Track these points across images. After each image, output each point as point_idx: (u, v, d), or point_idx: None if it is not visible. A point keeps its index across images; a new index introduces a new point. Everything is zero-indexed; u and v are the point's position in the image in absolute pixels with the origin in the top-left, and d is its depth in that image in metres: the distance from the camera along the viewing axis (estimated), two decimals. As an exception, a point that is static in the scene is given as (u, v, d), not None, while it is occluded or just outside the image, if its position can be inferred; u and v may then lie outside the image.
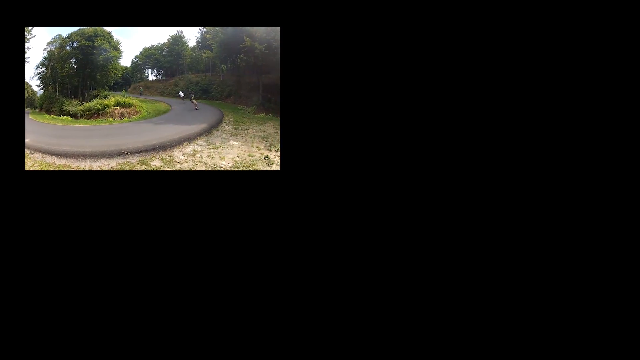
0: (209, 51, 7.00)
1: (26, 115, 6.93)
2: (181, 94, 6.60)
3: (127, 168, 3.68)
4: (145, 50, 7.89)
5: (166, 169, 3.71)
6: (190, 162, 3.88)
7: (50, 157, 4.03)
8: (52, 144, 4.32)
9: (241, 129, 5.20)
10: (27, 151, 4.26)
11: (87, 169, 3.68)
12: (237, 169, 3.71)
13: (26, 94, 7.96)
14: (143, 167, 3.72)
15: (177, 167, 3.75)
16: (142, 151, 4.03)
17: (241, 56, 6.11)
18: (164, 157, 3.98)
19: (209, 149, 4.31)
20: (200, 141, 4.56)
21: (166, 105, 6.51)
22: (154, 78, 8.10)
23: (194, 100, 6.55)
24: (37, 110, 7.35)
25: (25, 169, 3.88)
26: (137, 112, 5.89)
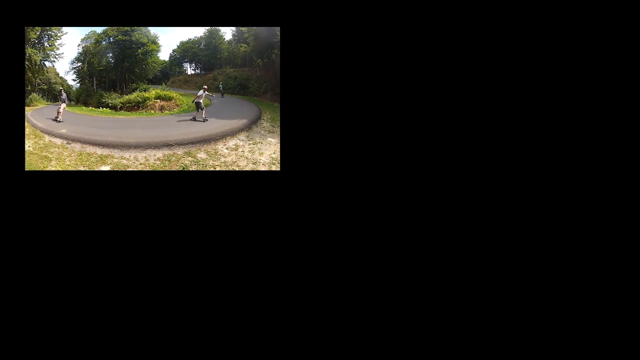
0: (245, 45, 6.97)
1: (62, 107, 7.13)
2: (220, 86, 6.29)
3: (173, 159, 3.64)
4: (182, 44, 7.91)
5: (211, 161, 3.65)
6: (234, 156, 3.82)
7: (91, 147, 4.01)
8: (92, 134, 4.30)
9: (277, 127, 5.21)
10: (64, 142, 4.31)
11: (132, 159, 3.64)
12: (273, 166, 3.67)
13: (61, 88, 8.18)
14: (189, 159, 3.67)
15: (222, 160, 3.70)
16: (188, 143, 4.00)
17: (275, 51, 6.05)
18: (209, 150, 3.92)
19: (249, 144, 4.28)
20: (242, 136, 4.55)
21: (206, 99, 6.51)
22: (192, 72, 8.13)
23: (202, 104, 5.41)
24: (72, 103, 7.56)
25: (62, 160, 3.86)
26: (177, 105, 5.90)
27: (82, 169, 3.50)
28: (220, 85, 6.80)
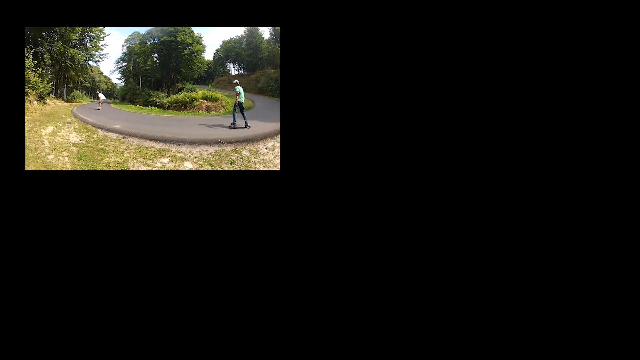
0: (284, 44, 7.28)
1: (108, 105, 7.71)
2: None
3: (222, 155, 4.09)
4: (225, 43, 8.24)
5: (253, 158, 4.06)
6: (270, 155, 4.24)
7: (148, 141, 4.48)
8: (148, 130, 4.81)
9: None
10: (119, 136, 4.78)
11: (187, 153, 4.09)
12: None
13: (105, 86, 8.81)
14: (235, 155, 4.10)
15: (261, 158, 4.11)
16: (235, 142, 4.45)
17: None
18: (252, 148, 4.36)
19: (285, 145, 4.72)
20: (279, 138, 4.98)
21: (250, 101, 6.80)
22: (236, 72, 8.42)
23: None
24: (117, 101, 8.10)
25: (120, 152, 4.26)
26: (223, 106, 6.27)
27: (141, 160, 3.97)
28: (239, 95, 5.42)
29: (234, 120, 5.38)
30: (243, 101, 5.48)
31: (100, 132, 5.14)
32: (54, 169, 3.63)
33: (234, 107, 5.40)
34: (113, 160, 4.04)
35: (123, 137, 4.72)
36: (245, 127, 5.28)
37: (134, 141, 4.55)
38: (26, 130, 4.71)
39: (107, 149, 4.39)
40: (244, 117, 5.38)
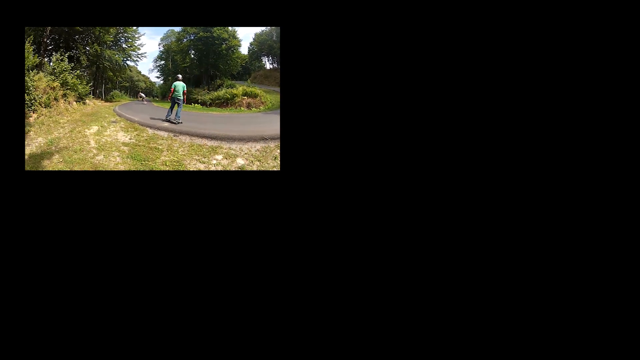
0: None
1: (149, 103, 8.00)
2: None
3: (268, 151, 4.29)
4: (257, 36, 8.37)
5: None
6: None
7: (199, 139, 4.67)
8: (197, 128, 5.00)
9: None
10: (170, 134, 4.99)
11: (237, 150, 4.29)
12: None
13: (144, 85, 9.13)
14: (279, 152, 4.15)
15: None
16: (278, 138, 4.56)
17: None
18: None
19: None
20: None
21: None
22: (270, 67, 8.45)
23: None
24: (157, 99, 8.32)
25: (174, 150, 4.38)
26: (262, 102, 6.41)
27: (197, 158, 4.13)
28: (175, 90, 6.12)
29: (169, 113, 5.88)
30: (180, 97, 5.98)
31: (150, 131, 5.30)
32: (104, 170, 3.69)
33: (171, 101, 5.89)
34: (169, 158, 4.14)
35: (174, 135, 4.91)
36: (176, 123, 5.68)
37: (186, 139, 4.74)
38: (68, 130, 5.02)
39: (160, 147, 4.52)
40: (175, 113, 5.81)
